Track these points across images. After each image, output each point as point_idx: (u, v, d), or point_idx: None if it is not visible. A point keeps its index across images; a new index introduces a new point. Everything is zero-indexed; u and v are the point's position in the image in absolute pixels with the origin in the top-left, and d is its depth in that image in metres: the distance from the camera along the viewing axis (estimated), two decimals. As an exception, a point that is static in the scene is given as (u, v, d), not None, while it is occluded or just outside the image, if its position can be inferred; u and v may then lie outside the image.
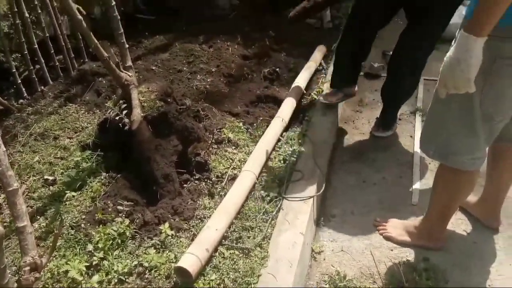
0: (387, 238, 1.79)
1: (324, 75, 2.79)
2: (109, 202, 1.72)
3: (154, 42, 3.44)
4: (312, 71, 2.79)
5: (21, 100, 2.58)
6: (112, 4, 1.88)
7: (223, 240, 1.59)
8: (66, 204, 1.77)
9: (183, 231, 1.66)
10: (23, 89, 2.60)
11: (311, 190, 1.81)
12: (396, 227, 1.81)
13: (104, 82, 2.76)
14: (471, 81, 1.13)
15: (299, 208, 1.71)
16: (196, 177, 1.95)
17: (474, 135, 1.36)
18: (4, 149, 1.08)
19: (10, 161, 2.04)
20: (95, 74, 2.87)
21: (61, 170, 1.97)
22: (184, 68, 2.99)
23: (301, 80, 2.63)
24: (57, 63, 2.84)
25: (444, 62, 1.17)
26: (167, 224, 1.62)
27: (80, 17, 1.72)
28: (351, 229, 1.85)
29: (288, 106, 2.38)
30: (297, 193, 1.79)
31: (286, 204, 1.74)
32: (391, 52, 3.26)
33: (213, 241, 1.51)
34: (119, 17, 1.93)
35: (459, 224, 1.84)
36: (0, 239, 1.11)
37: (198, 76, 2.86)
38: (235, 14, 4.05)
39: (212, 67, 2.98)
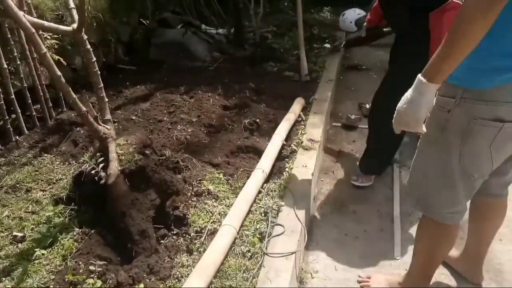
0: None
1: (303, 126, 2.85)
2: (80, 261, 1.62)
3: (135, 92, 3.46)
4: (292, 122, 2.85)
5: (-7, 151, 2.50)
6: (93, 60, 1.90)
7: (202, 302, 1.51)
8: (34, 263, 1.66)
9: (159, 292, 1.57)
10: (-3, 139, 2.52)
11: (293, 245, 1.77)
12: (380, 282, 1.78)
13: (81, 132, 2.71)
14: (420, 121, 1.20)
15: (281, 265, 1.66)
16: (174, 232, 1.88)
17: (452, 189, 1.39)
18: None
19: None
20: (73, 123, 2.83)
21: (32, 226, 1.87)
22: (165, 118, 2.99)
23: (281, 131, 2.67)
24: (34, 113, 2.80)
25: (400, 100, 1.23)
26: (142, 285, 1.53)
27: (59, 73, 1.72)
28: (334, 285, 1.80)
29: (268, 157, 2.39)
30: (279, 249, 1.74)
31: (268, 260, 1.69)
32: (367, 105, 3.43)
33: (191, 304, 1.43)
34: (99, 72, 1.94)
35: (442, 279, 1.82)
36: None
37: (179, 126, 2.86)
38: (216, 66, 4.17)
39: (193, 117, 3.00)
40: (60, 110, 3.02)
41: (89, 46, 1.87)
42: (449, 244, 1.59)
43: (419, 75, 1.17)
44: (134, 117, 3.00)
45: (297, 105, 3.09)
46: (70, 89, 1.77)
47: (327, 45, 4.70)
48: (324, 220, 2.19)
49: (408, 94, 1.20)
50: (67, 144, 2.60)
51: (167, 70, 3.97)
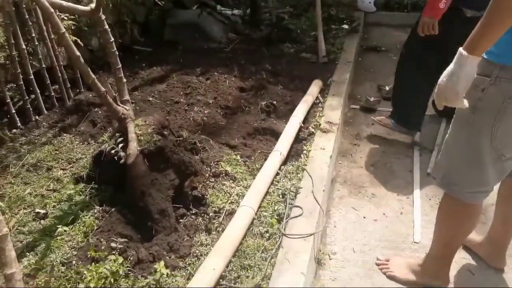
0: (391, 278, 1.74)
1: (321, 109, 2.80)
2: (102, 238, 1.65)
3: (151, 74, 3.45)
4: (309, 104, 2.81)
5: (14, 130, 2.53)
6: (111, 40, 1.88)
7: (221, 280, 1.52)
8: (57, 239, 1.69)
9: (178, 269, 1.59)
10: (17, 119, 2.56)
11: (312, 227, 1.76)
12: (399, 265, 1.76)
13: (99, 112, 2.73)
14: (459, 95, 1.17)
15: (299, 246, 1.66)
16: (193, 212, 1.90)
17: (481, 169, 1.38)
18: None
19: (0, 193, 1.98)
20: (91, 104, 2.85)
21: (53, 203, 1.91)
22: (181, 100, 2.99)
23: (299, 113, 2.64)
24: (53, 93, 2.82)
25: (442, 74, 1.22)
26: (162, 263, 1.55)
27: (78, 53, 1.71)
28: (353, 267, 1.79)
29: (286, 139, 2.37)
30: (297, 230, 1.74)
31: (286, 241, 1.69)
32: (386, 87, 3.36)
33: (211, 282, 1.44)
34: (117, 53, 1.93)
35: (463, 263, 1.80)
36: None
37: (195, 107, 2.85)
38: (231, 48, 4.12)
39: (209, 99, 2.99)
40: (78, 90, 3.04)
41: (107, 26, 1.86)
42: (470, 224, 1.56)
43: (460, 48, 1.16)
44: (151, 98, 3.00)
45: (314, 87, 3.03)
46: (89, 69, 1.77)
47: (345, 26, 4.58)
48: (342, 203, 2.17)
49: (449, 67, 1.19)
50: (85, 124, 2.62)
51: (183, 51, 3.94)
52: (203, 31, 4.16)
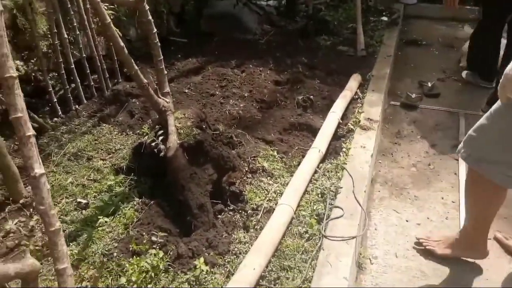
0: (430, 252, 1.80)
1: (361, 105, 2.71)
2: (143, 231, 1.65)
3: (186, 65, 3.44)
4: (348, 100, 2.72)
5: (55, 119, 2.59)
6: (154, 31, 1.86)
7: (260, 280, 1.49)
8: (98, 230, 1.71)
9: (218, 266, 1.57)
10: (58, 107, 2.61)
11: (353, 229, 1.70)
12: (438, 241, 1.83)
13: (137, 103, 2.75)
14: None
15: (341, 249, 1.61)
16: (231, 208, 1.88)
17: None
18: (48, 187, 1.03)
19: (43, 181, 2.02)
20: (128, 94, 2.88)
21: (94, 194, 1.93)
22: (217, 92, 2.96)
23: (337, 109, 2.56)
24: (92, 83, 2.86)
25: (509, 65, 1.23)
26: (202, 259, 1.53)
27: (122, 44, 1.71)
28: (395, 273, 1.72)
29: (324, 136, 2.30)
30: (338, 232, 1.68)
31: (327, 243, 1.64)
32: (428, 83, 3.21)
33: (251, 282, 1.42)
34: (159, 44, 1.91)
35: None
36: (35, 274, 1.05)
37: (231, 100, 2.82)
38: (266, 39, 4.05)
39: (245, 92, 2.95)
40: (115, 81, 3.06)
41: (150, 17, 1.84)
42: (498, 203, 1.58)
43: None
44: (186, 90, 2.99)
45: (353, 82, 2.94)
46: (132, 60, 1.76)
47: (384, 18, 4.41)
48: (382, 204, 2.10)
49: None
50: (123, 115, 2.65)
51: (218, 43, 3.91)
52: (238, 22, 4.11)
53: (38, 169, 0.99)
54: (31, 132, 1.02)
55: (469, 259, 1.76)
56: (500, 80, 1.27)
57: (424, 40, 4.26)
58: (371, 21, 4.34)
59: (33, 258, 1.03)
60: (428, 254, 1.80)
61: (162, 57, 1.94)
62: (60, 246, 0.97)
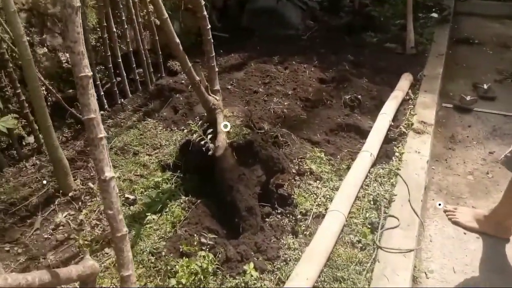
0: (455, 223, 1.86)
1: (412, 106, 2.57)
2: (192, 232, 1.62)
3: (229, 60, 3.40)
4: (399, 101, 2.58)
5: (101, 112, 2.61)
6: (208, 27, 1.82)
7: (312, 290, 1.43)
8: (146, 227, 1.70)
9: (267, 272, 1.52)
10: (105, 100, 2.63)
11: (411, 241, 1.60)
12: (465, 213, 1.88)
13: (181, 99, 2.74)
14: None
15: (398, 262, 1.52)
16: (278, 211, 1.82)
17: None
18: (117, 190, 1.00)
19: (91, 175, 2.04)
20: (172, 89, 2.87)
21: (141, 189, 1.93)
22: (260, 89, 2.90)
23: (388, 111, 2.43)
24: (137, 77, 2.87)
25: None
26: (252, 264, 1.48)
27: (178, 40, 1.67)
28: (454, 290, 1.61)
29: (376, 139, 2.20)
30: (393, 244, 1.59)
31: (382, 255, 1.55)
32: (484, 85, 3.01)
33: (305, 292, 1.35)
34: (212, 41, 1.87)
35: None
36: (94, 277, 1.03)
37: (275, 98, 2.75)
38: (309, 35, 3.95)
39: (289, 89, 2.87)
40: (159, 75, 3.07)
41: (205, 13, 1.80)
42: None
43: None
44: (229, 87, 2.95)
45: (404, 82, 2.79)
46: (186, 57, 1.72)
47: (434, 15, 4.20)
48: (438, 214, 1.97)
49: None
50: (167, 110, 2.64)
51: (260, 38, 3.85)
52: (281, 17, 4.02)
53: (108, 172, 0.96)
54: (103, 133, 1.00)
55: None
56: None
57: (477, 38, 4.01)
58: (420, 17, 4.13)
59: (93, 259, 1.01)
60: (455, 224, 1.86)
61: (214, 53, 1.89)
62: (126, 252, 0.95)
